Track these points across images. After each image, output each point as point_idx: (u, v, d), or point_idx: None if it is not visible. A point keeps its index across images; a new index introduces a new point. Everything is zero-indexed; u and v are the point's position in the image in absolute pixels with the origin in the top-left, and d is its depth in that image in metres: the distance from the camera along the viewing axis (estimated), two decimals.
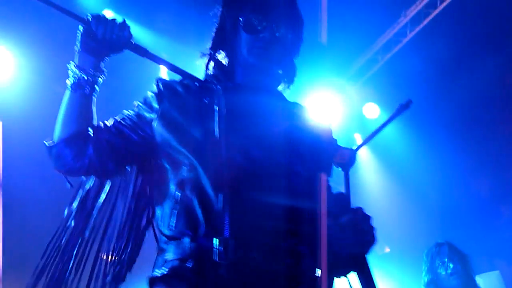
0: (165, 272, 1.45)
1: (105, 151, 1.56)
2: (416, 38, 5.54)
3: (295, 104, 1.72)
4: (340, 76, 6.02)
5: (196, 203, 1.44)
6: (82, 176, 1.65)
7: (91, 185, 1.65)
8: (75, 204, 1.63)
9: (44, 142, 1.59)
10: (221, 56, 1.68)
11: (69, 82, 1.56)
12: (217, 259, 1.37)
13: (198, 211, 1.43)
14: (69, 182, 1.64)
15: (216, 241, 1.37)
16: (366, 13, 5.20)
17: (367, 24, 5.38)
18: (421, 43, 5.58)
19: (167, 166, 1.55)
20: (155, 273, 1.48)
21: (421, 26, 5.43)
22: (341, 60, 5.69)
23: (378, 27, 5.64)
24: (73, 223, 1.61)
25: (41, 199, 4.91)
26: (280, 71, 1.69)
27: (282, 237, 1.45)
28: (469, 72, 5.51)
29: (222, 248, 1.36)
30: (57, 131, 1.56)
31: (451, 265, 3.74)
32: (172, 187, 1.51)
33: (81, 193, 1.65)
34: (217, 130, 1.47)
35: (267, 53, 1.59)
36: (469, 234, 5.31)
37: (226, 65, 1.66)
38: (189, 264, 1.41)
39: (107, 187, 1.65)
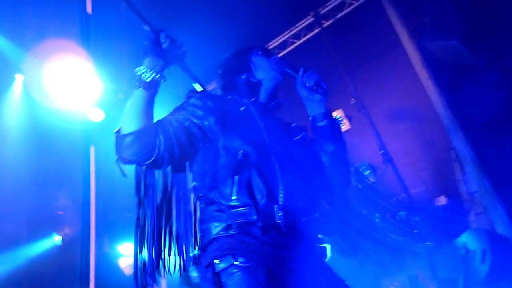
0: (235, 232, 1.76)
1: (172, 142, 1.83)
2: None
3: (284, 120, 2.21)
4: None
5: (256, 180, 1.79)
6: (143, 166, 1.86)
7: (154, 177, 1.90)
8: (143, 194, 1.89)
9: (114, 132, 1.79)
10: (239, 79, 2.13)
11: (141, 82, 1.78)
12: (278, 220, 1.77)
13: (261, 185, 1.79)
14: (123, 173, 1.85)
15: (276, 208, 1.78)
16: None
17: None
18: None
19: (222, 153, 1.86)
20: (221, 233, 1.78)
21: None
22: None
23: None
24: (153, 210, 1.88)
25: None
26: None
27: (313, 207, 1.91)
28: None
29: (281, 212, 1.78)
30: (130, 124, 1.76)
31: None
32: (228, 169, 1.82)
33: (146, 183, 1.89)
34: (262, 126, 1.94)
35: (278, 67, 2.14)
36: None
37: (249, 85, 2.12)
38: (259, 224, 1.76)
39: (169, 177, 1.92)
